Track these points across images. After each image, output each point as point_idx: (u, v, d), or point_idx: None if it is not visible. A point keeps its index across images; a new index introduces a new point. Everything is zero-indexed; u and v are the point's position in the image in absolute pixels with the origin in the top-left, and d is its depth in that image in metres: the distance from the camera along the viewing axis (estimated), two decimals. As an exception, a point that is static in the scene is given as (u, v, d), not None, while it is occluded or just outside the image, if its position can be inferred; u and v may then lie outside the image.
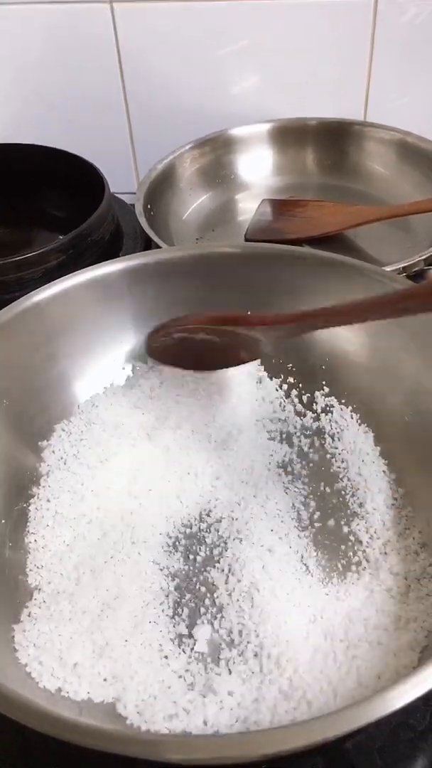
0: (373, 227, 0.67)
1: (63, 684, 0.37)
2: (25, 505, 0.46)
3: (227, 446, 0.50)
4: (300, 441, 0.51)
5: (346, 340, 0.52)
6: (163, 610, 0.41)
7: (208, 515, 0.46)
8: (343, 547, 0.44)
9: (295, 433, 0.51)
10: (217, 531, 0.45)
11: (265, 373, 0.54)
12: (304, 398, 0.53)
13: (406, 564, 0.42)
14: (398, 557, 0.42)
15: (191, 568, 0.43)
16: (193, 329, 0.47)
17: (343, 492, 0.47)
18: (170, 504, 0.47)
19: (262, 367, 0.54)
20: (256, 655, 0.38)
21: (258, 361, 0.54)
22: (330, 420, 0.51)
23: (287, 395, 0.53)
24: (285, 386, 0.54)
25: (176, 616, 0.41)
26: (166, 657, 0.38)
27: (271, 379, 0.54)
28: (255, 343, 0.45)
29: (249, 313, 0.53)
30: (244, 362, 0.48)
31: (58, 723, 0.26)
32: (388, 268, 0.56)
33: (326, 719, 0.26)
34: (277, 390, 0.54)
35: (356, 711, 0.26)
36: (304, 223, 0.69)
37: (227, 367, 0.49)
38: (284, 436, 0.51)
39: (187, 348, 0.48)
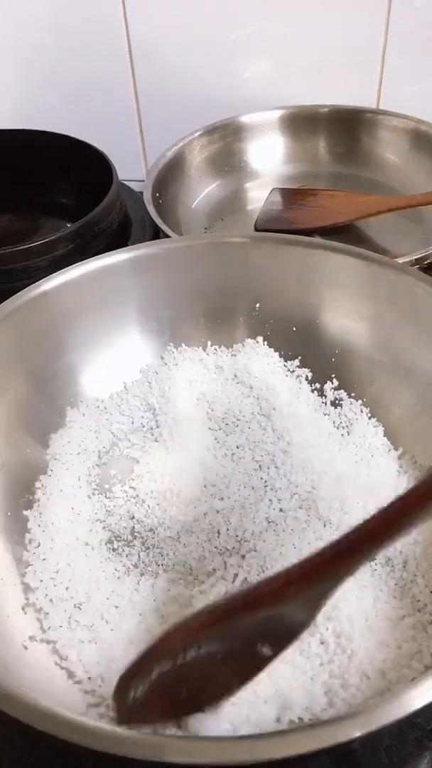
0: (385, 218, 0.66)
1: None
2: (30, 497, 0.45)
3: (235, 434, 0.50)
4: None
5: (357, 332, 0.51)
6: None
7: (217, 511, 0.45)
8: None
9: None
10: (228, 521, 0.44)
11: (274, 364, 0.53)
12: (314, 391, 0.52)
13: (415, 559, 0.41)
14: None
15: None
16: (174, 651, 0.32)
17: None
18: (181, 492, 0.46)
19: (272, 358, 0.53)
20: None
21: (270, 351, 0.53)
22: (340, 413, 0.50)
23: (297, 387, 0.52)
24: (293, 377, 0.53)
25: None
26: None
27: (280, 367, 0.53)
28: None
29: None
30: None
31: (60, 722, 0.26)
32: (400, 260, 0.55)
33: (337, 723, 0.26)
34: (286, 377, 0.53)
35: (365, 715, 0.26)
36: (315, 213, 0.68)
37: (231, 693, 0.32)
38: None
39: (168, 687, 0.32)
